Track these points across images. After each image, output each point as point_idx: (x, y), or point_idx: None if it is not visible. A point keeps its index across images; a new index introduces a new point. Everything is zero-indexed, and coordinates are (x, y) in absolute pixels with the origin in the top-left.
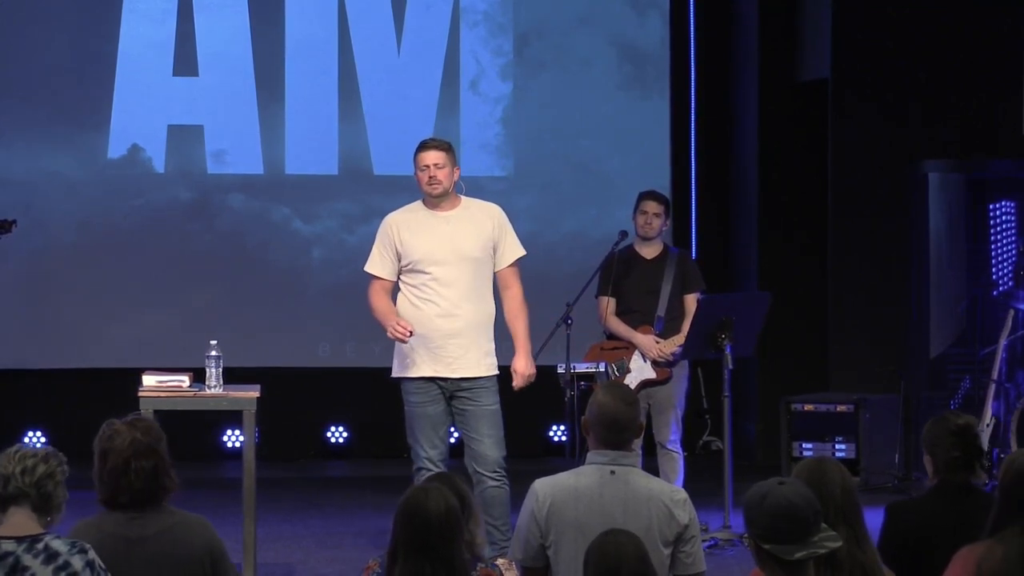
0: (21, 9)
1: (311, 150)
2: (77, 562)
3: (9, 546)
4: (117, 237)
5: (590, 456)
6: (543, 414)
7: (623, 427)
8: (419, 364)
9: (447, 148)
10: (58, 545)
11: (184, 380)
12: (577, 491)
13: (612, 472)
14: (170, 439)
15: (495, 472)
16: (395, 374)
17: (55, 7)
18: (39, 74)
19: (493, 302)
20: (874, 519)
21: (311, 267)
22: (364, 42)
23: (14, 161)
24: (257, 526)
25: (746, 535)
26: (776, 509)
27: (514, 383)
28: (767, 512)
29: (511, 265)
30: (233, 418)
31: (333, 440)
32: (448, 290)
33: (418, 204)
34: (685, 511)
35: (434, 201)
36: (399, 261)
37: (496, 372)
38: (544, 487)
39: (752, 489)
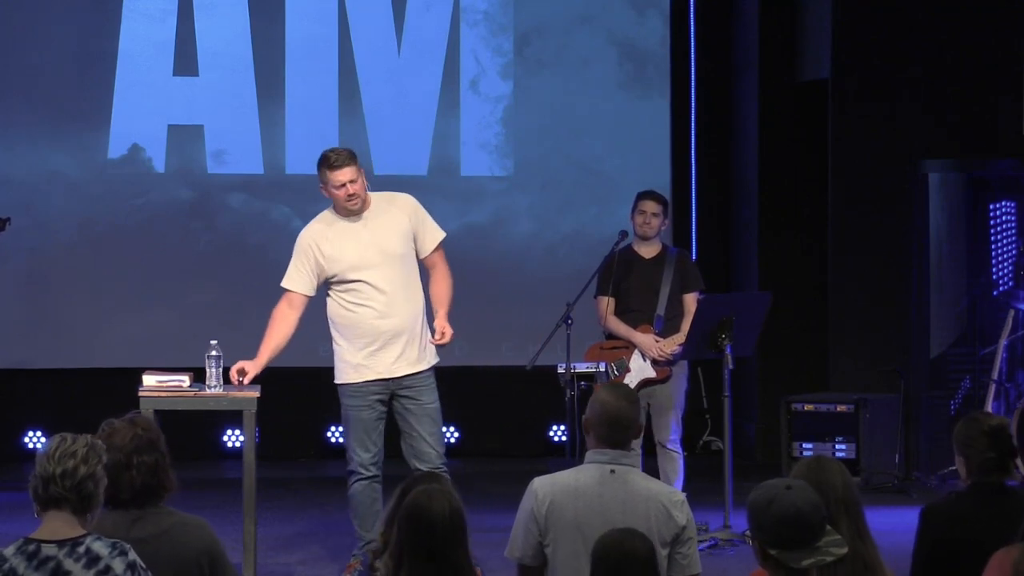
0: (21, 9)
1: (311, 150)
2: (118, 565)
3: (50, 550)
4: (117, 237)
5: (590, 455)
6: (543, 414)
7: (624, 426)
8: (361, 368)
9: (354, 159)
10: (99, 548)
11: (184, 380)
12: (577, 490)
13: (612, 471)
14: (170, 439)
15: (437, 468)
16: (338, 380)
17: (55, 7)
18: (40, 74)
19: (423, 294)
20: (876, 519)
21: None
22: (364, 42)
23: (15, 161)
24: (257, 526)
25: (749, 534)
26: (783, 516)
27: (435, 339)
28: (774, 518)
29: (436, 250)
30: (233, 418)
31: (333, 440)
32: (381, 292)
33: (330, 214)
34: (683, 512)
35: (348, 211)
36: (321, 275)
37: (436, 360)
38: (544, 485)
39: (757, 491)
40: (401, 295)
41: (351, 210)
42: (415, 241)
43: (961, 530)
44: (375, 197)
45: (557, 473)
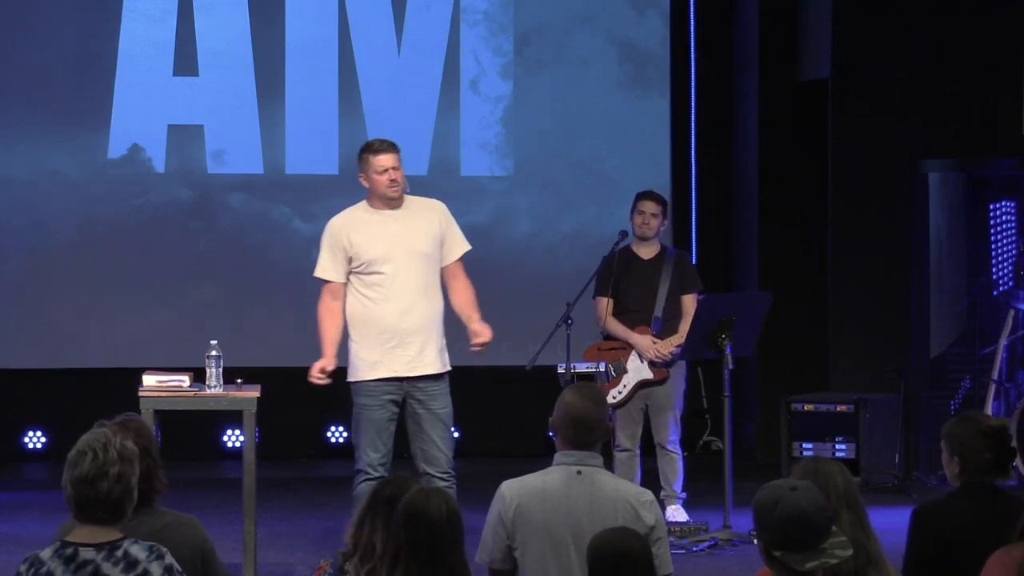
0: (21, 9)
1: (311, 150)
2: (156, 569)
3: (88, 554)
4: (117, 237)
5: (557, 457)
6: (543, 414)
7: (590, 427)
8: (376, 366)
9: (396, 148)
10: (136, 551)
11: (184, 380)
12: (544, 492)
13: (579, 472)
14: (170, 439)
15: (445, 473)
16: (352, 378)
17: (55, 7)
18: (39, 74)
19: (443, 298)
20: (876, 519)
21: (311, 267)
22: (364, 42)
23: (15, 161)
24: (257, 526)
25: (754, 534)
26: (789, 517)
27: (476, 343)
28: (779, 519)
29: (458, 261)
30: (233, 418)
31: (333, 440)
32: (403, 288)
33: (362, 205)
34: (651, 512)
35: (385, 202)
36: (347, 264)
37: (450, 368)
38: (511, 489)
39: (763, 492)
40: (422, 294)
41: (390, 197)
42: (441, 247)
43: (954, 531)
44: (408, 199)
45: (525, 476)
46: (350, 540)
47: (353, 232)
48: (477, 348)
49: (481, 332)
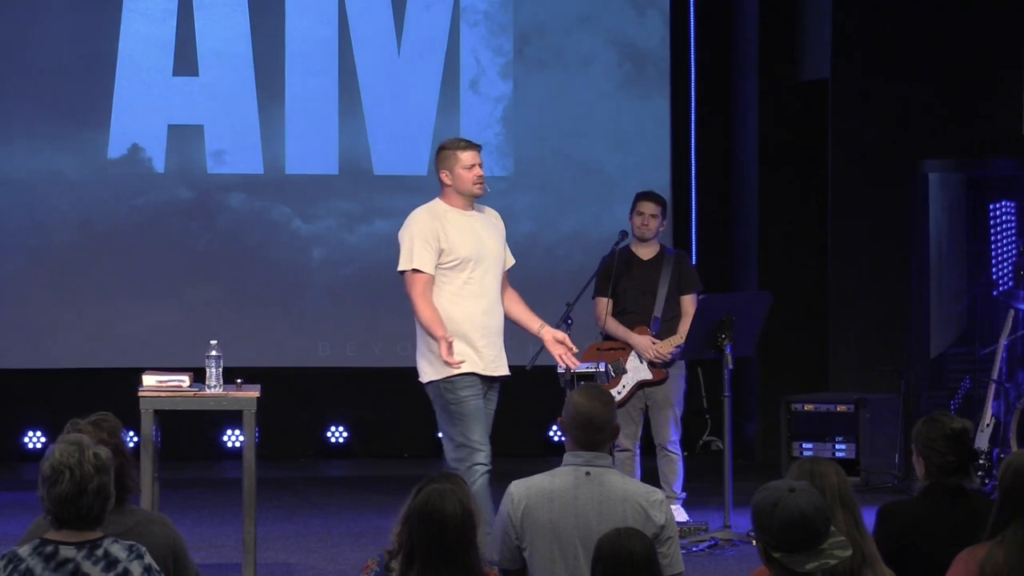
0: (21, 9)
1: (311, 150)
2: (136, 568)
3: (69, 552)
4: (118, 237)
5: (566, 457)
6: (543, 414)
7: (598, 428)
8: (473, 361)
9: (480, 147)
10: (117, 550)
11: (184, 380)
12: (551, 492)
13: (587, 473)
14: (170, 439)
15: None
16: (445, 375)
17: (55, 7)
18: (39, 74)
19: None
20: (873, 519)
21: (311, 267)
22: (364, 42)
23: (15, 161)
24: (257, 526)
25: (753, 534)
26: (788, 519)
27: (570, 347)
28: (778, 521)
29: (506, 271)
30: (233, 418)
31: (333, 440)
32: (489, 288)
33: (439, 203)
34: (661, 512)
35: (467, 200)
36: (437, 258)
37: None
38: (519, 489)
39: (761, 493)
40: (499, 296)
41: (476, 194)
42: None
43: (919, 531)
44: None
45: (533, 476)
46: (395, 538)
47: (447, 227)
48: (571, 352)
49: (564, 336)
